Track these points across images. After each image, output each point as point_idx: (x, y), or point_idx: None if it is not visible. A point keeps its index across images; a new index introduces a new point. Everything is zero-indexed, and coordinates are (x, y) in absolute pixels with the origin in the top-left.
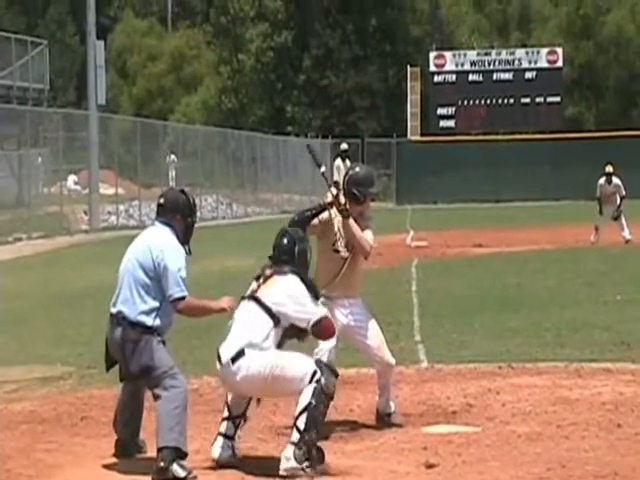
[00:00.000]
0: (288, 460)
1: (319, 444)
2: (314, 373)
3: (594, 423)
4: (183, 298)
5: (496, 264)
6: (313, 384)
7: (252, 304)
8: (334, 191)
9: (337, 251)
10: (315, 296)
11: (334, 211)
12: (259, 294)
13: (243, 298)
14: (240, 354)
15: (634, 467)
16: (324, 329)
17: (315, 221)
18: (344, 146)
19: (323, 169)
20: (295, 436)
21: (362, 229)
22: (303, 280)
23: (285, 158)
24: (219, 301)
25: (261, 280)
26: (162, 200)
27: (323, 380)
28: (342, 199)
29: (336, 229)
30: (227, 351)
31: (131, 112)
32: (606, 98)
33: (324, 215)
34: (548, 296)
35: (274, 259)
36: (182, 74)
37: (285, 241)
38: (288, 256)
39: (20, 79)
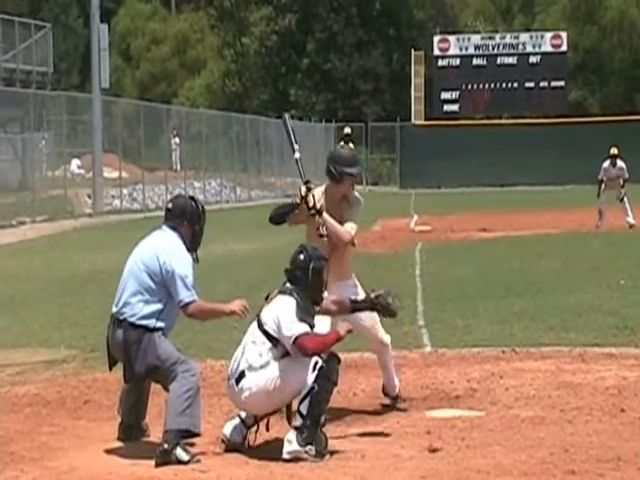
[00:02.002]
0: (290, 443)
1: (323, 429)
2: (316, 363)
3: (597, 408)
4: (194, 302)
5: (500, 248)
6: (315, 372)
7: (254, 325)
8: (303, 190)
9: (322, 235)
10: (306, 321)
11: (315, 193)
12: (261, 315)
13: (258, 316)
14: (242, 376)
15: (637, 452)
16: (302, 346)
17: (296, 211)
18: (347, 130)
19: (297, 155)
20: (298, 420)
21: (344, 220)
22: (300, 305)
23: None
24: (230, 304)
25: (268, 300)
26: (170, 205)
27: (325, 367)
28: (311, 200)
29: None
30: (232, 372)
31: (135, 95)
32: (610, 83)
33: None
34: (552, 280)
35: (289, 274)
36: (186, 57)
37: (302, 257)
38: (302, 273)
39: (24, 62)
